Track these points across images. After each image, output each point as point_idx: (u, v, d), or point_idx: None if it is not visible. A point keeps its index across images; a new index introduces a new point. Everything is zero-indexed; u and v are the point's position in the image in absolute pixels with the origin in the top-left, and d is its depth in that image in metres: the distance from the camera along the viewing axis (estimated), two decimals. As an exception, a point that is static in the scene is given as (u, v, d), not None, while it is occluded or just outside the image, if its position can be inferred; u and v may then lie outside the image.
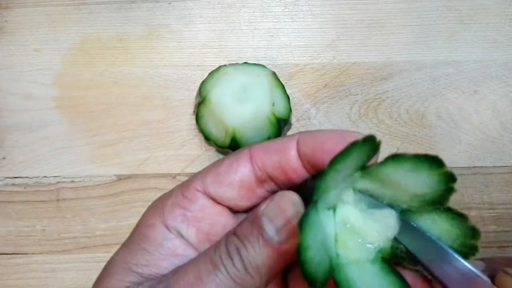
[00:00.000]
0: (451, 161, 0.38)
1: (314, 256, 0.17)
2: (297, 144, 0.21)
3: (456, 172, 0.39)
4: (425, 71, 0.39)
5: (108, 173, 0.38)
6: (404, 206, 0.20)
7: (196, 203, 0.21)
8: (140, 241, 0.21)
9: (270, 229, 0.19)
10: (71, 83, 0.39)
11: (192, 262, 0.21)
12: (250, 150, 0.22)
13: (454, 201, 0.37)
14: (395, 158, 0.18)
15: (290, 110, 0.36)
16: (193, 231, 0.21)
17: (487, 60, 0.39)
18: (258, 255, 0.19)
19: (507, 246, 0.37)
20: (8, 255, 0.38)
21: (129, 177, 0.38)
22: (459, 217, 0.19)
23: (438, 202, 0.19)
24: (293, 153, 0.21)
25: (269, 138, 0.35)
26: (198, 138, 0.38)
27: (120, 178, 0.38)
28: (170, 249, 0.21)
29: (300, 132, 0.22)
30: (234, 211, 0.22)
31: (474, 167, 0.38)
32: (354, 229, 0.20)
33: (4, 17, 0.40)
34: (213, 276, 0.19)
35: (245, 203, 0.22)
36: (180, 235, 0.21)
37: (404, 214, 0.20)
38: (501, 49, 0.39)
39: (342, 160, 0.18)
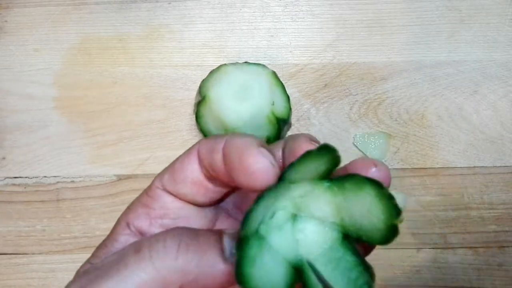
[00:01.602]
0: (451, 161, 0.38)
1: (261, 278, 0.17)
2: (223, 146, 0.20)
3: (456, 172, 0.40)
4: (425, 71, 0.39)
5: (108, 173, 0.38)
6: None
7: (158, 200, 0.22)
8: (105, 237, 0.22)
9: (227, 244, 0.19)
10: (71, 83, 0.39)
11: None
12: (199, 146, 0.22)
13: (454, 201, 0.37)
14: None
15: (290, 109, 0.36)
16: (155, 227, 0.21)
17: (487, 60, 0.39)
18: (199, 255, 0.19)
19: (507, 246, 0.37)
20: (8, 255, 0.38)
21: (129, 177, 0.38)
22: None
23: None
24: (219, 156, 0.20)
25: (268, 137, 0.35)
26: (198, 138, 0.38)
27: (120, 178, 0.38)
28: (122, 243, 0.21)
29: (229, 134, 0.21)
30: (198, 205, 0.22)
31: (474, 167, 0.38)
32: (312, 219, 0.20)
33: (4, 17, 0.40)
34: (128, 258, 0.19)
35: (201, 198, 0.22)
36: (140, 232, 0.21)
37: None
38: (501, 49, 0.39)
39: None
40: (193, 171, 0.21)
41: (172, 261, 0.18)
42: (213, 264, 0.19)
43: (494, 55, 0.39)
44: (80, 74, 0.39)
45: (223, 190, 0.22)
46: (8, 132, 0.39)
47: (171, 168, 0.22)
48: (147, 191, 0.22)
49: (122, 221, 0.22)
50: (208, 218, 0.23)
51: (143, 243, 0.19)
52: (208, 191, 0.21)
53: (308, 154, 0.18)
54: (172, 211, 0.22)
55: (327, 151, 0.18)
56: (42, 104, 0.39)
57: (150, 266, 0.18)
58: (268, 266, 0.18)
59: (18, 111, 0.39)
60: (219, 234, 0.20)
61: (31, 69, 0.39)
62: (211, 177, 0.21)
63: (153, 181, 0.22)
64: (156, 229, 0.21)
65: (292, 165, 0.18)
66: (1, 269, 0.37)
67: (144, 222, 0.21)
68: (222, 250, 0.19)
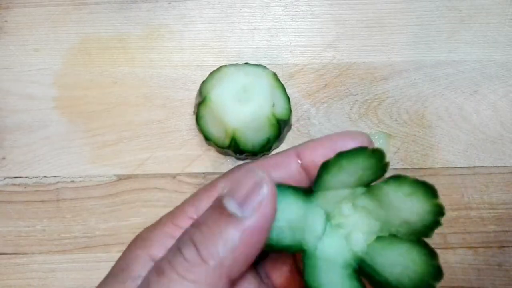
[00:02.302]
0: (451, 161, 0.38)
1: (283, 228, 0.18)
2: (298, 157, 0.21)
3: (456, 172, 0.40)
4: (425, 71, 0.39)
5: (108, 173, 0.38)
6: (393, 230, 0.20)
7: None
8: (119, 273, 0.19)
9: (231, 205, 0.18)
10: (71, 83, 0.39)
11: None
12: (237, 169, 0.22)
13: (454, 201, 0.37)
14: (397, 179, 0.19)
15: (290, 111, 0.36)
16: None
17: (487, 60, 0.39)
18: (218, 237, 0.17)
19: (507, 246, 0.37)
20: (8, 255, 0.38)
21: (129, 177, 0.38)
22: (429, 254, 0.19)
23: (424, 232, 0.19)
24: (294, 167, 0.21)
25: (268, 139, 0.35)
26: (198, 138, 0.38)
27: (120, 178, 0.38)
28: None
29: (295, 146, 0.22)
30: None
31: (474, 167, 0.38)
32: (343, 233, 0.20)
33: (4, 17, 0.40)
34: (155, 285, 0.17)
35: None
36: None
37: (387, 239, 0.20)
38: (501, 49, 0.39)
39: (346, 159, 0.19)
40: None
41: (200, 263, 0.17)
42: (225, 227, 0.17)
43: (494, 55, 0.39)
44: (80, 74, 0.39)
45: None
46: (8, 132, 0.39)
47: (205, 195, 0.21)
48: (173, 221, 0.20)
49: (143, 254, 0.19)
50: None
51: (163, 265, 0.18)
52: None
53: (360, 150, 0.19)
54: None
55: (380, 156, 0.19)
56: (42, 104, 0.39)
57: (183, 284, 0.17)
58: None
59: (18, 111, 0.39)
60: (218, 200, 0.18)
61: (31, 69, 0.39)
62: None
63: (181, 211, 0.20)
64: None
65: (340, 155, 0.19)
66: (1, 269, 0.37)
67: None
68: (224, 209, 0.18)
